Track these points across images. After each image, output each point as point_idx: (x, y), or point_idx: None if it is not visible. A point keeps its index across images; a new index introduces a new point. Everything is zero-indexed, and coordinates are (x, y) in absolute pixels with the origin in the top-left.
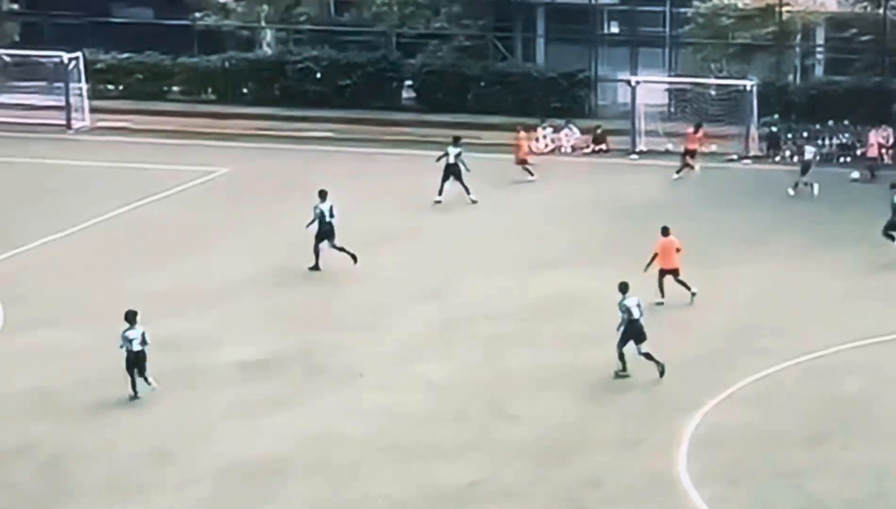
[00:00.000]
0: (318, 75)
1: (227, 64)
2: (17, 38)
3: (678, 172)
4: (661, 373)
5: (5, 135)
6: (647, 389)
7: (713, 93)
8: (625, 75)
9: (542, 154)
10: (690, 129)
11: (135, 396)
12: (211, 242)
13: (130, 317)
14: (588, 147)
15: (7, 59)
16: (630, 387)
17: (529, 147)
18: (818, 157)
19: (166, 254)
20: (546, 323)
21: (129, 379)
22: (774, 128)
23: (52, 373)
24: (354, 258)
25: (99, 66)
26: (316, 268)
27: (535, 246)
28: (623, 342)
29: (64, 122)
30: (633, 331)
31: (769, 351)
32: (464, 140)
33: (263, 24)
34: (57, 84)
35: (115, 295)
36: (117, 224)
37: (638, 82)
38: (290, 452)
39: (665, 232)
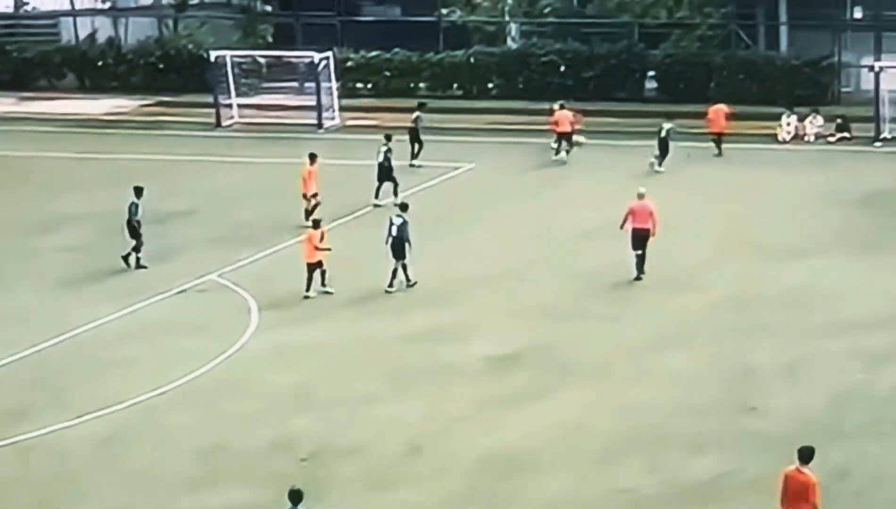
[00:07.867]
0: (562, 68)
1: (472, 59)
2: (270, 40)
3: None
4: (412, 286)
5: (260, 135)
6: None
7: None
8: (868, 61)
9: (786, 142)
10: None
11: None
12: (456, 237)
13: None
14: (832, 135)
15: (261, 60)
16: (879, 380)
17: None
18: None
19: (415, 251)
20: (788, 313)
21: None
22: None
23: (305, 369)
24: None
25: (349, 64)
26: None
27: (777, 235)
28: (394, 257)
29: (315, 122)
30: (395, 246)
31: None
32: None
33: (508, 18)
34: (308, 84)
35: (362, 291)
36: (366, 221)
37: (882, 68)
38: (537, 446)
39: (315, 225)
